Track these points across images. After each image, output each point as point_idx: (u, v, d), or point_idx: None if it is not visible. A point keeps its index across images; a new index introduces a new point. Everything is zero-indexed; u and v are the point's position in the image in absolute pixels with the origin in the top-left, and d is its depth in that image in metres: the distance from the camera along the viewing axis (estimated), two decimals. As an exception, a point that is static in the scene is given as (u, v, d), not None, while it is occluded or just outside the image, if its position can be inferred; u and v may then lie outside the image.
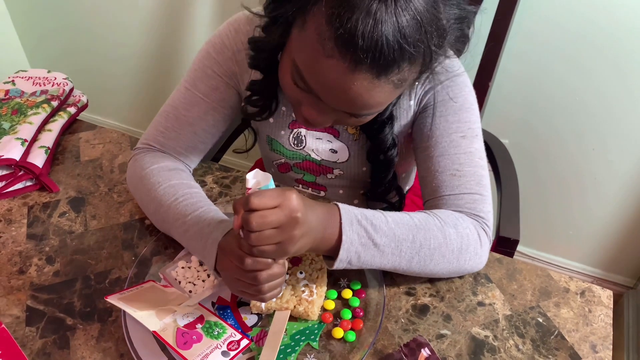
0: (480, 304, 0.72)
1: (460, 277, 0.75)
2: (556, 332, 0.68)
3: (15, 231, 0.82)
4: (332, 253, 0.64)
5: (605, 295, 0.74)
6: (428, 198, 0.76)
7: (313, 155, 0.86)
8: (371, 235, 0.64)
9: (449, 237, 0.67)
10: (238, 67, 0.79)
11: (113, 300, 0.64)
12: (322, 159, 0.86)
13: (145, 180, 0.78)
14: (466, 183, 0.73)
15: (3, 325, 0.50)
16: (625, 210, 1.49)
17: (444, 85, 0.75)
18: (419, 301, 0.72)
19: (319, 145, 0.85)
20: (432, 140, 0.75)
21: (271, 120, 0.85)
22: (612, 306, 0.72)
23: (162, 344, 0.64)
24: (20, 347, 0.53)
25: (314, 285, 0.70)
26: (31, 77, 1.09)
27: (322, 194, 0.93)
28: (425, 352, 0.64)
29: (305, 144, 0.85)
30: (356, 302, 0.70)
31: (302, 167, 0.89)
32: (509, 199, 1.00)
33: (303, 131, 0.84)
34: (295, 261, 0.73)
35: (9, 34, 2.07)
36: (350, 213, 0.64)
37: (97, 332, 0.67)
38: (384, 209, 0.69)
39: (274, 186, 0.58)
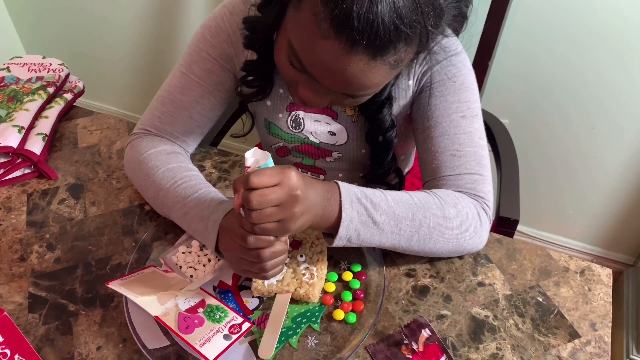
0: (480, 284, 0.72)
1: (460, 258, 0.75)
2: (556, 311, 0.69)
3: (15, 219, 0.82)
4: (331, 231, 0.64)
5: (605, 274, 0.74)
6: (428, 179, 0.76)
7: (311, 138, 0.86)
8: (371, 213, 0.64)
9: (448, 216, 0.68)
10: (234, 50, 0.78)
11: (114, 286, 0.64)
12: (321, 142, 0.86)
13: (143, 164, 0.77)
14: (466, 163, 0.72)
15: (5, 313, 0.50)
16: (624, 189, 1.49)
17: (442, 64, 0.75)
18: (419, 282, 0.72)
19: (317, 127, 0.84)
20: (432, 120, 0.75)
21: (268, 103, 0.84)
22: (611, 284, 0.73)
23: (165, 329, 0.64)
24: (23, 334, 0.54)
25: (315, 268, 0.70)
26: (26, 64, 1.08)
27: (322, 177, 0.93)
28: (425, 333, 0.65)
29: (304, 127, 0.84)
30: (357, 284, 0.70)
31: (300, 151, 0.89)
32: (509, 179, 1.00)
33: (301, 113, 0.84)
34: (295, 244, 0.73)
35: (3, 20, 2.05)
36: (350, 191, 0.64)
37: (100, 318, 0.67)
38: None
39: (273, 164, 0.58)
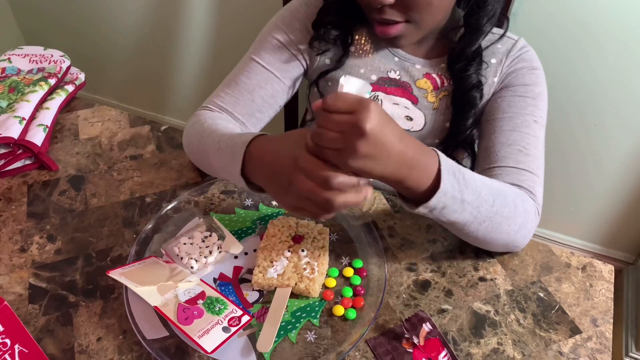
0: (482, 279, 0.72)
1: (461, 252, 0.75)
2: (557, 307, 0.69)
3: (15, 210, 0.81)
4: (414, 195, 0.62)
5: (607, 270, 0.74)
6: (489, 166, 0.75)
7: None
8: (462, 189, 0.61)
9: (517, 209, 0.67)
10: (306, 39, 0.83)
11: (115, 275, 0.64)
12: None
13: (196, 125, 0.79)
14: (530, 162, 0.73)
15: (6, 303, 0.50)
16: (625, 187, 1.49)
17: (526, 70, 0.80)
18: (420, 277, 0.72)
19: (394, 110, 0.84)
20: (507, 114, 0.77)
21: None
22: (613, 281, 0.72)
23: (164, 320, 0.64)
24: (23, 324, 0.54)
25: (316, 263, 0.70)
26: (27, 55, 1.08)
27: None
28: (426, 327, 0.65)
29: None
30: (357, 280, 0.70)
31: None
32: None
33: (380, 95, 0.84)
34: (297, 239, 0.73)
35: (3, 10, 2.04)
36: (448, 162, 0.61)
37: (100, 309, 0.67)
38: None
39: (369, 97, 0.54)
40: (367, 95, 0.54)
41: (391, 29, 0.74)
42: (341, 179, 0.54)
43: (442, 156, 0.61)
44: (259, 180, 0.65)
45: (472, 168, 0.86)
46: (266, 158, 0.62)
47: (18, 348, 0.54)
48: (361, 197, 0.57)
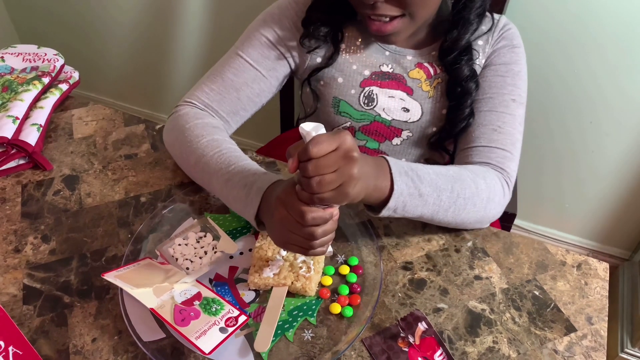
0: (477, 277, 0.72)
1: (457, 251, 0.75)
2: (552, 305, 0.69)
3: (9, 210, 0.81)
4: (377, 203, 0.66)
5: (602, 268, 0.74)
6: (464, 147, 0.80)
7: (383, 115, 0.86)
8: (417, 185, 0.66)
9: (479, 187, 0.71)
10: (296, 38, 0.83)
11: (110, 277, 0.64)
12: (393, 119, 0.86)
13: (187, 132, 0.77)
14: (502, 140, 0.77)
15: (-1, 304, 0.50)
16: (620, 183, 1.49)
17: (508, 49, 0.83)
18: (415, 275, 0.72)
19: (390, 103, 0.85)
20: (486, 95, 0.80)
21: (340, 80, 0.85)
22: (608, 279, 0.73)
23: (160, 321, 0.64)
24: (17, 326, 0.53)
25: (312, 262, 0.70)
26: (21, 53, 1.07)
27: None
28: (422, 326, 0.65)
29: (377, 103, 0.85)
30: (353, 278, 0.70)
31: (368, 131, 0.88)
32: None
33: (375, 89, 0.84)
34: (292, 237, 0.73)
35: (-3, 9, 2.03)
36: (398, 164, 0.65)
37: (95, 310, 0.67)
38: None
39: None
40: (322, 132, 0.56)
41: (387, 26, 0.74)
42: (314, 214, 0.57)
43: (391, 159, 0.65)
44: (264, 217, 0.67)
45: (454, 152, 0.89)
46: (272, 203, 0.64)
47: (12, 350, 0.53)
48: (335, 225, 0.61)
